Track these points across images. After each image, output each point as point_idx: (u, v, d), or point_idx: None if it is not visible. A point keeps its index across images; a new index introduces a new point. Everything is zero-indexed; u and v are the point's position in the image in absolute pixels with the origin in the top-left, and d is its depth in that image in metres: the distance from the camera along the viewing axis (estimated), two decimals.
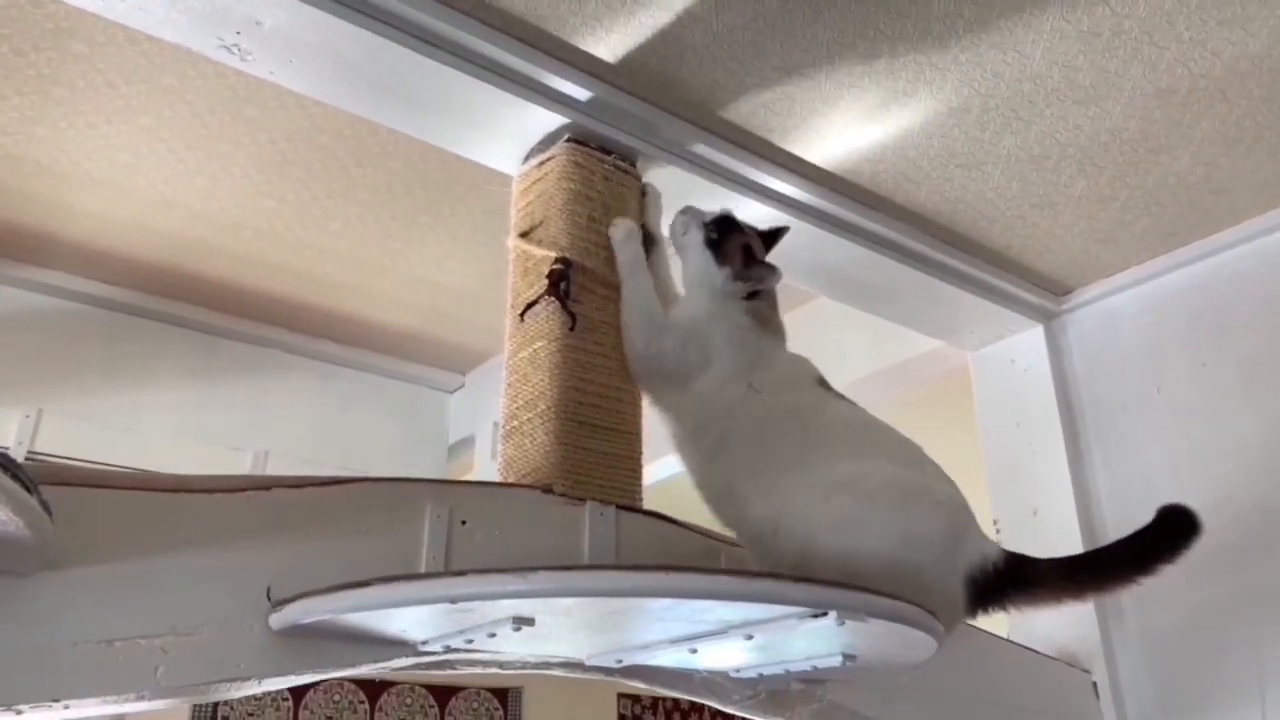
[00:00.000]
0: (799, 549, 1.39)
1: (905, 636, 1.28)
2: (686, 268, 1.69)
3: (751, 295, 1.63)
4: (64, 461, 2.91)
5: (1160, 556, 1.51)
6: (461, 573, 1.09)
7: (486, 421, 3.50)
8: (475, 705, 3.44)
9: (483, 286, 2.91)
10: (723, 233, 1.66)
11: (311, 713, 2.95)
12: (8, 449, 2.87)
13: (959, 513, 1.44)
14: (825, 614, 1.15)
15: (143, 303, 3.06)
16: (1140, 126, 1.85)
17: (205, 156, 2.32)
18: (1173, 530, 1.51)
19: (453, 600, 1.07)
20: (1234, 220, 2.14)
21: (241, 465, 3.19)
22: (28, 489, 0.89)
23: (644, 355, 1.59)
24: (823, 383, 1.61)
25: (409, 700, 3.17)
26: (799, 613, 1.15)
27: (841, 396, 1.59)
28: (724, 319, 1.60)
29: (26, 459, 2.87)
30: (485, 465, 3.45)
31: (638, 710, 3.64)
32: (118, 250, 2.75)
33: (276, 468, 3.22)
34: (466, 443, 3.59)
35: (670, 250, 1.75)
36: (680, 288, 1.71)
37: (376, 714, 3.23)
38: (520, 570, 1.06)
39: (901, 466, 1.46)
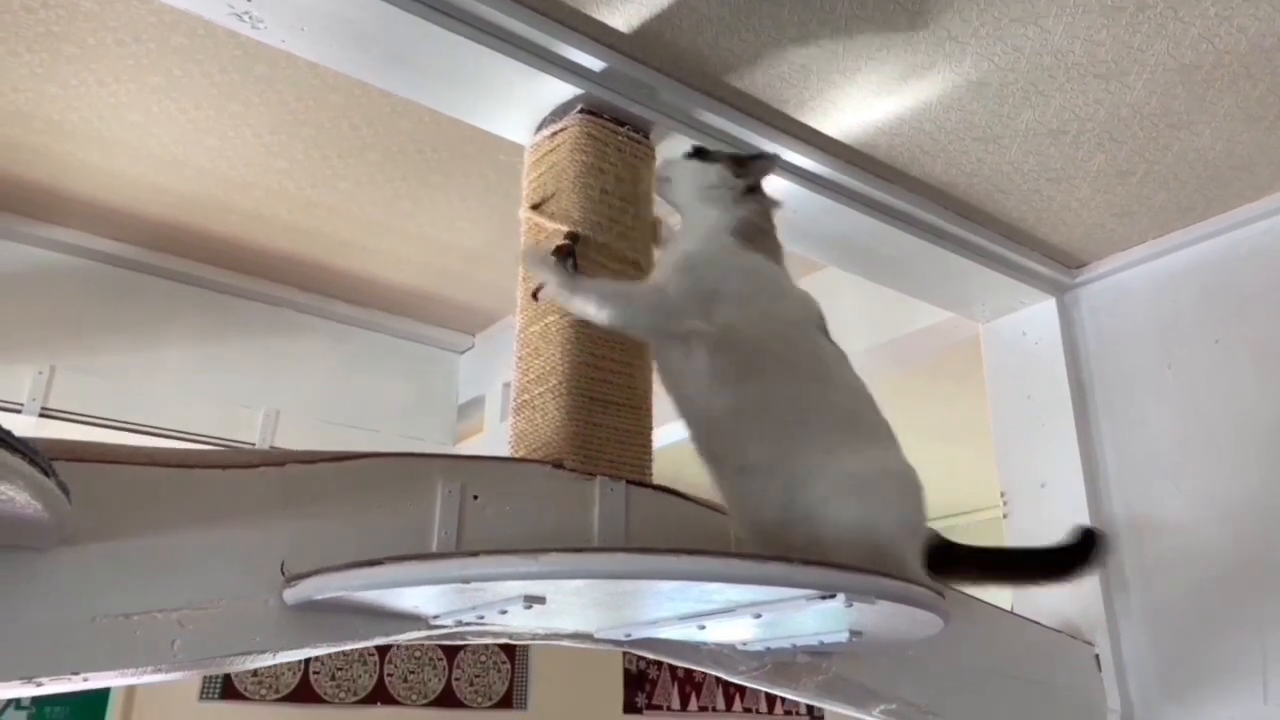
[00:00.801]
0: (804, 523, 1.37)
1: (912, 616, 1.30)
2: (680, 204, 1.62)
3: (749, 195, 1.58)
4: (76, 417, 2.95)
5: (1061, 573, 1.66)
6: (474, 553, 1.10)
7: (496, 382, 3.51)
8: (483, 658, 3.49)
9: (493, 247, 2.90)
10: (701, 151, 1.64)
11: (322, 663, 3.00)
12: (21, 404, 2.90)
13: (919, 495, 1.45)
14: (834, 596, 1.16)
15: (154, 260, 3.07)
16: (1161, 102, 1.82)
17: (215, 116, 2.31)
18: (1079, 551, 1.64)
19: (465, 580, 1.09)
20: (1254, 196, 2.11)
21: (252, 424, 3.21)
22: (45, 472, 0.89)
23: (630, 325, 1.49)
24: (823, 328, 1.55)
25: (418, 653, 3.22)
26: (808, 594, 1.16)
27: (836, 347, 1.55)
28: (717, 247, 1.52)
29: (41, 415, 2.90)
30: (494, 426, 3.47)
31: (643, 664, 3.69)
32: (129, 208, 2.75)
33: (287, 427, 3.25)
34: (476, 403, 3.60)
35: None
36: None
37: (386, 665, 3.28)
38: (532, 551, 1.07)
39: (888, 449, 1.47)
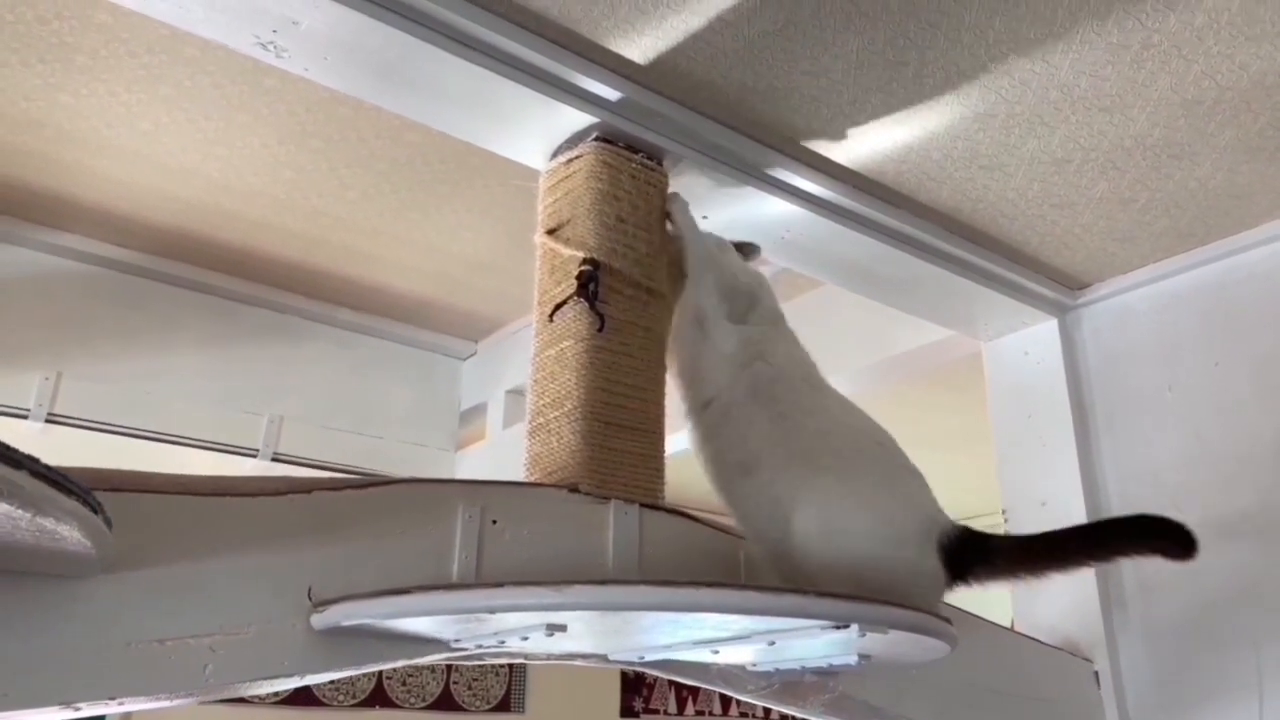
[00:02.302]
0: (803, 540, 1.44)
1: (921, 643, 1.33)
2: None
3: None
4: (82, 423, 2.97)
5: (1123, 549, 1.61)
6: (500, 584, 1.13)
7: (499, 389, 3.54)
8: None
9: (497, 256, 2.93)
10: None
11: None
12: (28, 410, 2.92)
13: (925, 503, 1.50)
14: (847, 626, 1.20)
15: (162, 267, 3.09)
16: (1164, 134, 1.86)
17: (225, 126, 2.33)
18: (1155, 534, 1.58)
19: (491, 611, 1.12)
20: (1253, 223, 2.15)
21: (257, 430, 3.24)
22: (93, 509, 0.92)
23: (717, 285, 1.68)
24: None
25: None
26: (822, 624, 1.20)
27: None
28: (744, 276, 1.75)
29: (47, 421, 2.92)
30: (497, 433, 3.50)
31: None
32: (137, 215, 2.78)
33: (291, 433, 3.28)
34: (479, 410, 3.63)
35: None
36: None
37: None
38: (556, 584, 1.11)
39: (882, 467, 1.52)
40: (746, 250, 1.86)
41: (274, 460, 3.26)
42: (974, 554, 1.48)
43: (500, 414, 3.49)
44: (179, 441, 3.11)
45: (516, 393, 3.41)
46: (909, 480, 1.51)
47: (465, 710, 4.08)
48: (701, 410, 1.62)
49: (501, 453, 3.41)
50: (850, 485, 1.46)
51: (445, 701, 4.01)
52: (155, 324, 3.13)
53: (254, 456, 3.24)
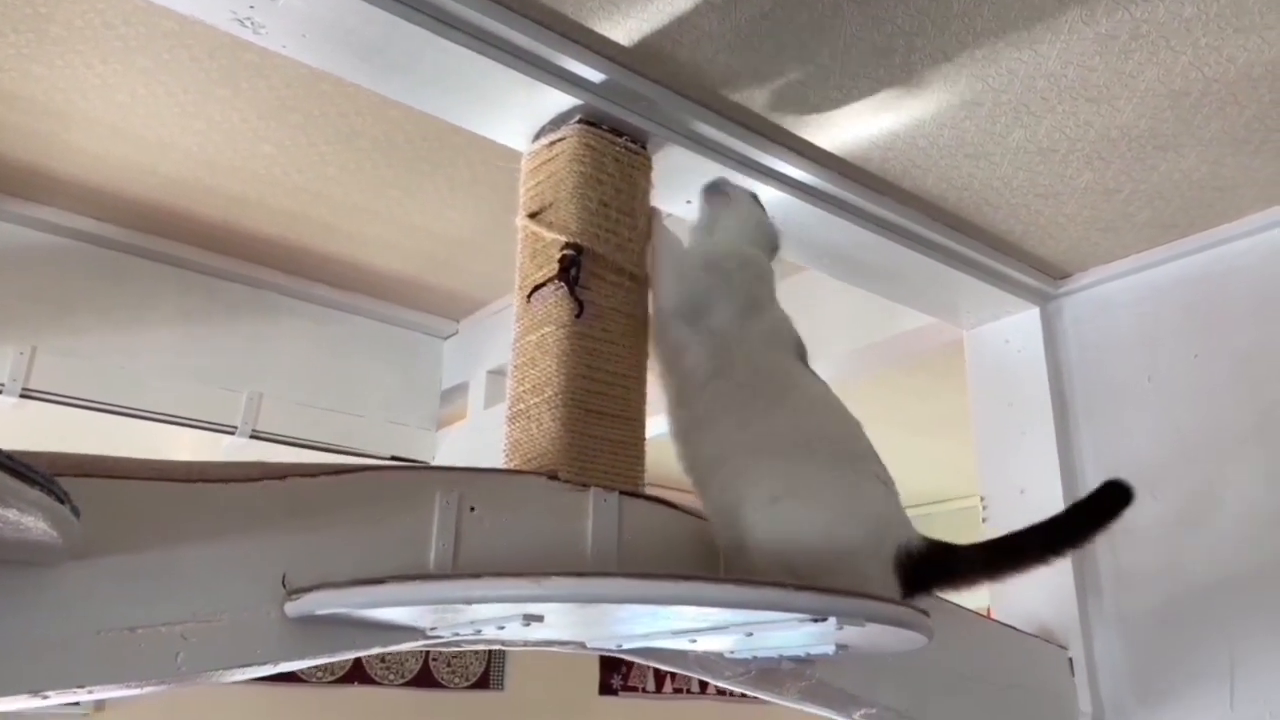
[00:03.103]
0: (751, 535, 1.43)
1: (898, 634, 1.34)
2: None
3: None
4: (58, 398, 2.94)
5: (1081, 535, 1.63)
6: (477, 575, 1.13)
7: (480, 369, 3.52)
8: None
9: (479, 235, 2.91)
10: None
11: None
12: (2, 384, 2.88)
13: (885, 509, 1.49)
14: (825, 619, 1.20)
15: (138, 241, 3.05)
16: (1150, 125, 1.86)
17: (203, 100, 2.30)
18: (1100, 506, 1.62)
19: (467, 602, 1.11)
20: (1235, 215, 2.16)
21: (236, 407, 3.21)
22: (59, 499, 0.91)
23: (676, 291, 1.64)
24: (800, 348, 1.65)
25: None
26: (800, 617, 1.20)
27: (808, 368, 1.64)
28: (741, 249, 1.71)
29: (22, 395, 2.88)
30: (478, 413, 3.48)
31: None
32: (113, 189, 2.74)
33: (270, 410, 3.25)
34: (460, 389, 3.61)
35: None
36: None
37: None
38: (534, 576, 1.10)
39: (843, 467, 1.50)
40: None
41: (253, 438, 3.24)
42: (940, 566, 1.48)
43: (481, 394, 3.48)
44: (157, 418, 3.09)
45: (498, 373, 3.39)
46: (869, 487, 1.49)
47: (444, 687, 4.09)
48: (675, 412, 1.61)
49: (482, 433, 3.39)
50: (799, 485, 1.45)
51: (424, 679, 4.02)
52: (132, 299, 3.09)
53: (232, 433, 3.21)
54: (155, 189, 2.73)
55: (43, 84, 2.23)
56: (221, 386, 3.21)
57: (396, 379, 3.58)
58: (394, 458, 3.51)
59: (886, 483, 1.51)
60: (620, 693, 4.58)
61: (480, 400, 3.48)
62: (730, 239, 1.71)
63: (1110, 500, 1.61)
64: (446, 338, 3.69)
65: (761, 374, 1.56)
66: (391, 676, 4.00)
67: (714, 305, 1.61)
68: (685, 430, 1.58)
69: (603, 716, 4.44)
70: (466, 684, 4.21)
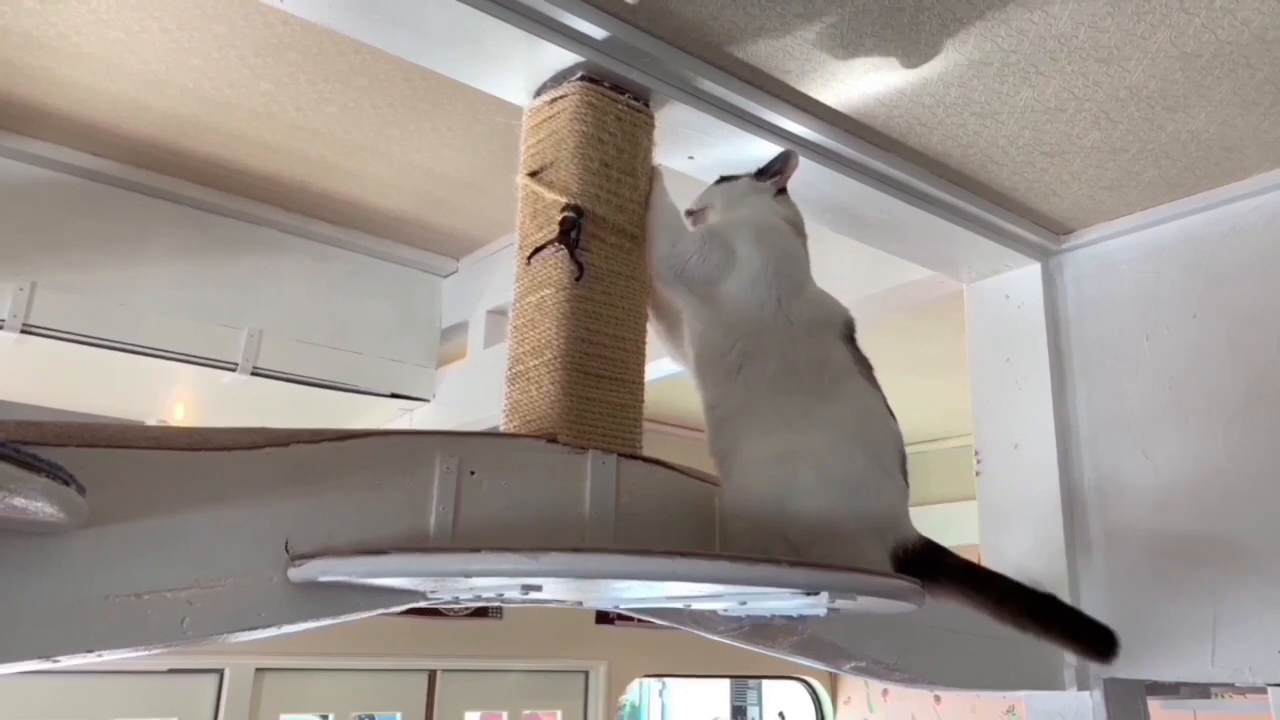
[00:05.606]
0: (757, 504, 1.48)
1: (890, 604, 1.37)
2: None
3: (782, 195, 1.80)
4: (58, 334, 2.94)
5: (1049, 633, 1.67)
6: (476, 549, 1.15)
7: (479, 308, 3.52)
8: None
9: (478, 174, 2.89)
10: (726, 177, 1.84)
11: None
12: (2, 320, 2.88)
13: (893, 501, 1.54)
14: (818, 593, 1.22)
15: (136, 177, 3.04)
16: (1160, 86, 1.83)
17: (199, 36, 2.27)
18: (1086, 636, 1.68)
19: (467, 575, 1.13)
20: (1242, 175, 2.13)
21: (236, 343, 3.22)
22: (65, 482, 0.92)
23: (668, 256, 1.64)
24: (849, 329, 1.68)
25: None
26: (793, 590, 1.22)
27: (857, 351, 1.66)
28: (752, 213, 1.72)
29: (22, 331, 2.89)
30: (478, 352, 3.49)
31: None
32: (110, 124, 2.71)
33: (270, 346, 3.26)
34: (460, 328, 3.61)
35: None
36: None
37: None
38: (531, 550, 1.12)
39: (869, 457, 1.53)
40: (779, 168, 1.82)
41: (254, 374, 3.25)
42: (930, 566, 1.52)
43: (481, 333, 3.48)
44: (158, 354, 3.10)
45: (498, 312, 3.39)
46: (890, 483, 1.53)
47: (443, 615, 4.17)
48: (707, 409, 1.64)
49: (482, 371, 3.41)
50: (824, 460, 1.48)
51: (423, 607, 4.10)
52: (131, 234, 3.08)
53: (234, 370, 3.23)
54: (151, 125, 2.71)
55: (35, 19, 2.20)
56: (221, 323, 3.22)
57: (396, 316, 3.58)
58: (393, 394, 3.53)
59: (905, 484, 1.56)
60: (616, 622, 4.67)
61: (480, 339, 3.48)
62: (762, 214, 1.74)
63: (1093, 636, 1.67)
64: (446, 276, 3.69)
65: (807, 369, 1.58)
66: None
67: (726, 277, 1.62)
68: (719, 420, 1.61)
69: (600, 646, 4.53)
70: (466, 612, 4.28)
